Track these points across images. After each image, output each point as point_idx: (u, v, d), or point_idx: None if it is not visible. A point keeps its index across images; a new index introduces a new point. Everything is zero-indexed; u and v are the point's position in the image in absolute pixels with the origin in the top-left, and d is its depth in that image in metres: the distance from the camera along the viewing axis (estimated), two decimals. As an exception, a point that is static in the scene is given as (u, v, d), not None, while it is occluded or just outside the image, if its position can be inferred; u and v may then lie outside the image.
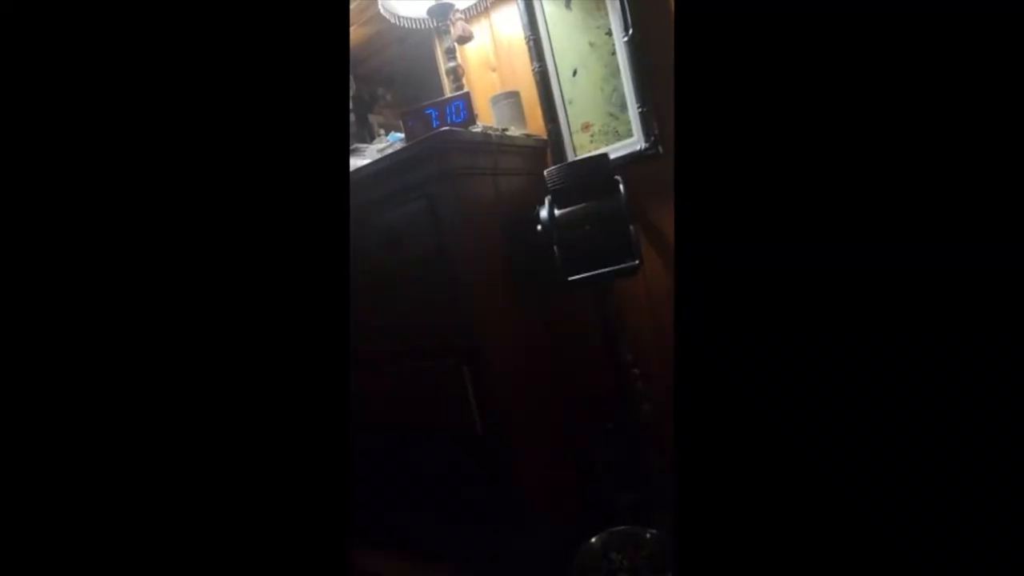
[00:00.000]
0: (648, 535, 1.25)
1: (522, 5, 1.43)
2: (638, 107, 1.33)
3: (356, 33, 1.67)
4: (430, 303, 1.23)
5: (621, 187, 1.18)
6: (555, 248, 1.20)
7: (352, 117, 1.59)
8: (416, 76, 1.67)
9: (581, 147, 1.44)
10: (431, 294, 1.21)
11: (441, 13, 1.38)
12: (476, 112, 1.29)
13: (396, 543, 1.51)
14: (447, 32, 1.39)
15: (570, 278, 1.19)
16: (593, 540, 1.27)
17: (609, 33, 1.35)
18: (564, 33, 1.41)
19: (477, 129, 1.24)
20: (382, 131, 1.38)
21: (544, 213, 1.21)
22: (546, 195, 1.24)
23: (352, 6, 1.58)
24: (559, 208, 1.22)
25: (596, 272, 1.18)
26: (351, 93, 1.64)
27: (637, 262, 1.15)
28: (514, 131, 1.37)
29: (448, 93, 1.42)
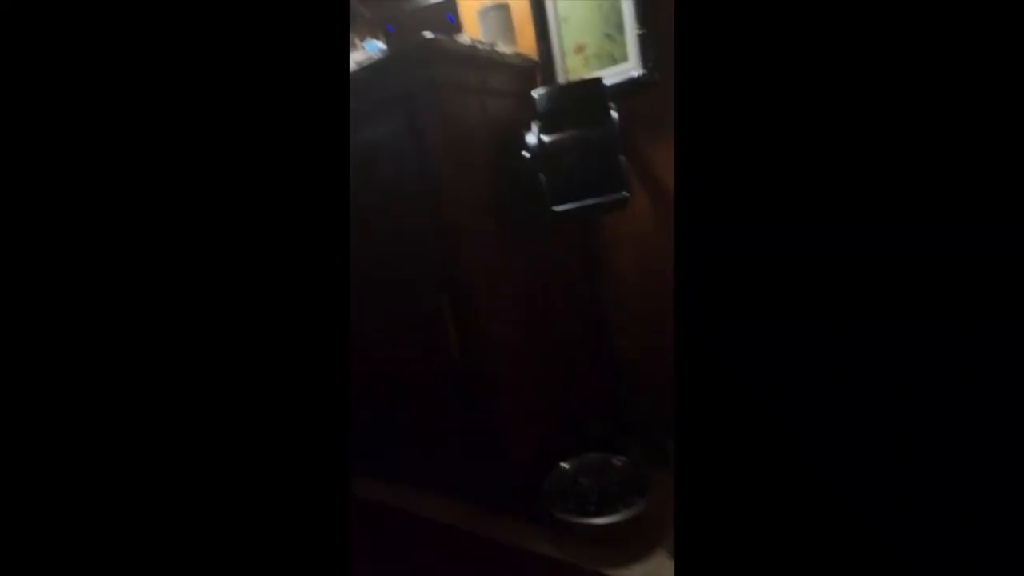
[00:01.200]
0: (617, 462, 1.30)
1: (517, -99, 1.28)
2: (637, 29, 1.24)
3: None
4: (409, 229, 1.18)
5: (614, 115, 1.12)
6: (541, 176, 1.15)
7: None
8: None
9: (573, 70, 1.36)
10: (410, 219, 1.16)
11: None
12: (463, 24, 1.18)
13: (386, 472, 1.54)
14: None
15: (556, 208, 1.15)
16: (565, 465, 1.32)
17: (611, -59, 1.23)
18: (562, -62, 1.28)
19: (464, 40, 1.14)
20: (358, 40, 1.26)
21: (531, 138, 1.15)
22: (534, 119, 1.17)
23: None
24: (547, 134, 1.16)
25: (583, 203, 1.15)
26: None
27: (626, 195, 1.11)
28: (503, 48, 1.28)
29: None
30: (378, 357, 1.38)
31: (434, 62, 1.06)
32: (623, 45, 1.28)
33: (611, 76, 1.29)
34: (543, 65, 1.37)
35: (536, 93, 1.18)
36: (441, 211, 1.13)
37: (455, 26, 1.12)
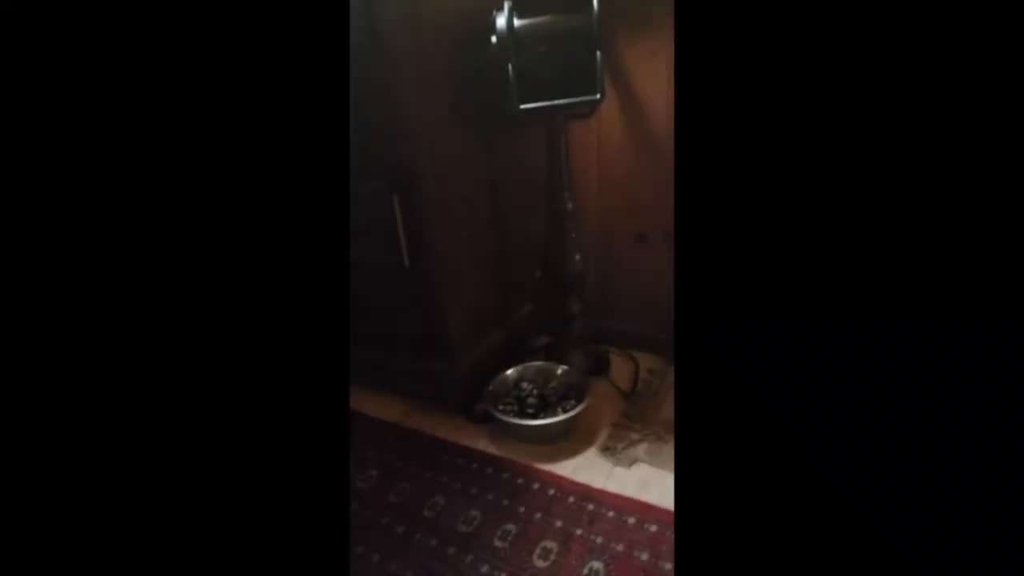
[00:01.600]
0: (559, 371, 1.35)
1: None
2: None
3: None
4: (357, 113, 1.06)
5: (595, 2, 1.01)
6: (510, 68, 1.04)
7: None
8: None
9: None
10: (359, 102, 1.04)
11: None
12: None
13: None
14: None
15: (523, 106, 1.06)
16: (509, 372, 1.35)
17: None
18: None
19: None
20: None
21: (502, 21, 1.03)
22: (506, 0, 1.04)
23: None
24: (520, 18, 1.04)
25: (553, 103, 1.06)
26: None
27: (599, 96, 1.04)
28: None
29: None
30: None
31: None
32: (612, -78, 1.12)
33: (595, -41, 1.14)
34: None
35: (510, -33, 1.03)
36: (394, 94, 1.01)
37: None
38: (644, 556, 0.89)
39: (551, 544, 0.93)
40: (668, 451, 1.14)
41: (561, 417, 1.16)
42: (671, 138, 1.31)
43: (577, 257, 1.32)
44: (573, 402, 1.23)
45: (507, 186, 1.41)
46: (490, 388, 1.29)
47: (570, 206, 1.27)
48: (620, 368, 1.47)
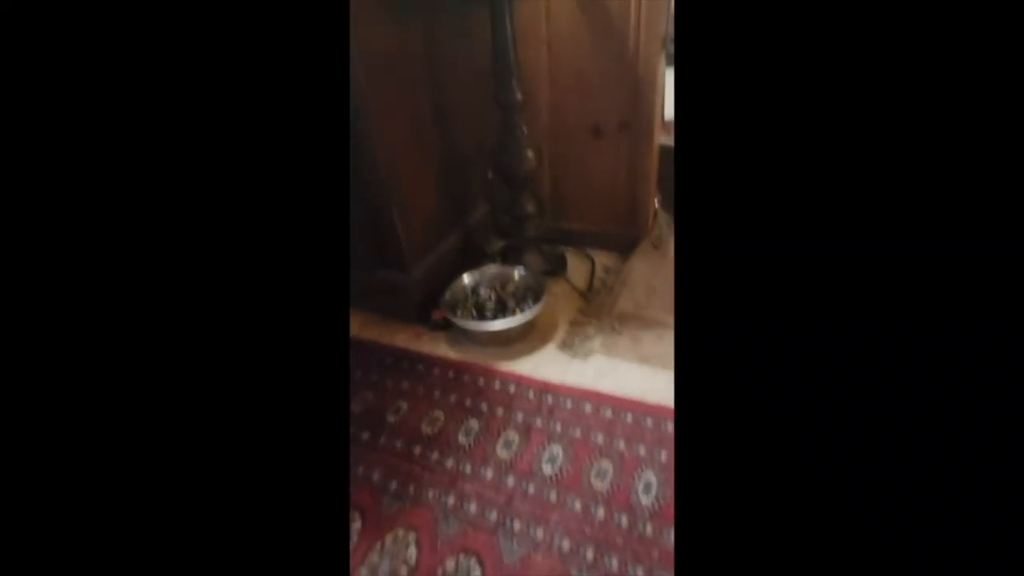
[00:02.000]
0: (516, 274, 1.34)
1: None
2: None
3: None
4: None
5: None
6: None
7: None
8: None
9: None
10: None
11: None
12: None
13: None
14: None
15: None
16: (465, 277, 1.33)
17: None
18: None
19: None
20: None
21: None
22: None
23: None
24: None
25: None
26: None
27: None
28: None
29: None
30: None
31: None
32: None
33: None
34: None
35: None
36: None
37: None
38: (600, 438, 0.95)
39: (513, 436, 0.98)
40: (622, 343, 1.18)
41: (519, 318, 1.17)
42: (629, 21, 1.20)
43: (529, 154, 1.25)
44: (531, 303, 1.24)
45: (451, 82, 1.29)
46: (446, 295, 1.28)
47: (519, 96, 1.18)
48: (577, 267, 1.48)
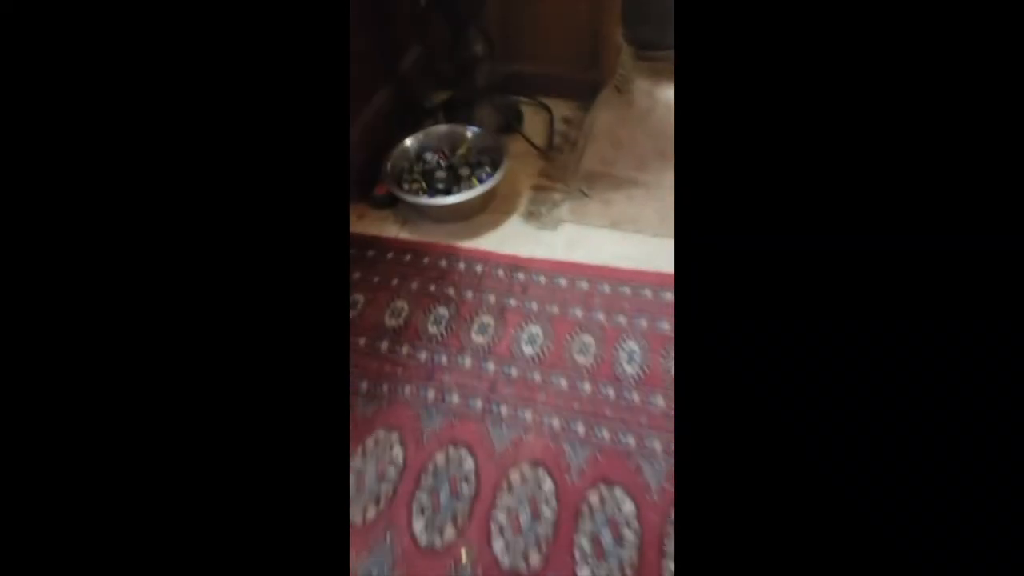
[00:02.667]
0: (468, 133, 1.15)
1: None
2: None
3: None
4: None
5: None
6: None
7: None
8: None
9: None
10: None
11: None
12: None
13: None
14: None
15: None
16: (407, 142, 1.13)
17: None
18: None
19: None
20: None
21: None
22: None
23: None
24: None
25: None
26: None
27: None
28: None
29: None
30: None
31: None
32: None
33: None
34: None
35: None
36: None
37: None
38: (578, 312, 0.91)
39: (487, 319, 0.91)
40: (593, 207, 1.08)
41: (478, 190, 1.03)
42: None
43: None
44: (488, 169, 1.08)
45: None
46: (387, 165, 1.09)
47: None
48: (532, 120, 1.30)
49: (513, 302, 0.93)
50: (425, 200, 1.04)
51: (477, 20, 1.07)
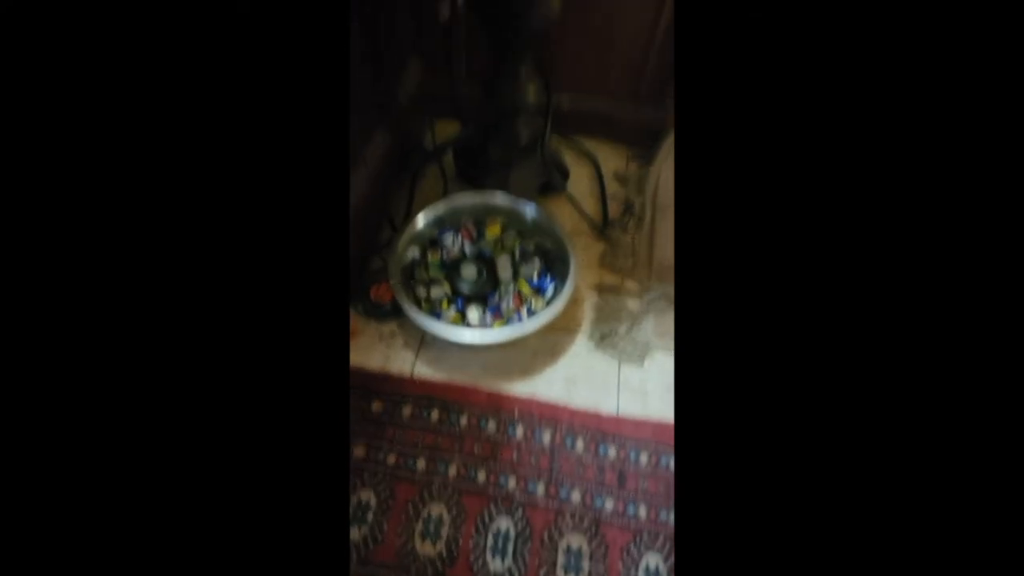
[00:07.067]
0: (499, 200, 0.80)
1: None
2: None
3: None
4: None
5: None
6: None
7: None
8: None
9: None
10: None
11: None
12: None
13: None
14: None
15: None
16: (420, 219, 0.77)
17: None
18: None
19: None
20: None
21: None
22: None
23: None
24: None
25: None
26: None
27: None
28: None
29: None
30: None
31: None
32: None
33: None
34: None
35: None
36: None
37: None
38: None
39: (576, 540, 0.60)
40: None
41: (539, 319, 0.69)
42: None
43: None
44: (538, 262, 0.75)
45: None
46: (391, 255, 0.72)
47: None
48: (576, 174, 0.97)
49: (609, 504, 0.63)
50: (453, 332, 0.69)
51: (534, 50, 0.71)
